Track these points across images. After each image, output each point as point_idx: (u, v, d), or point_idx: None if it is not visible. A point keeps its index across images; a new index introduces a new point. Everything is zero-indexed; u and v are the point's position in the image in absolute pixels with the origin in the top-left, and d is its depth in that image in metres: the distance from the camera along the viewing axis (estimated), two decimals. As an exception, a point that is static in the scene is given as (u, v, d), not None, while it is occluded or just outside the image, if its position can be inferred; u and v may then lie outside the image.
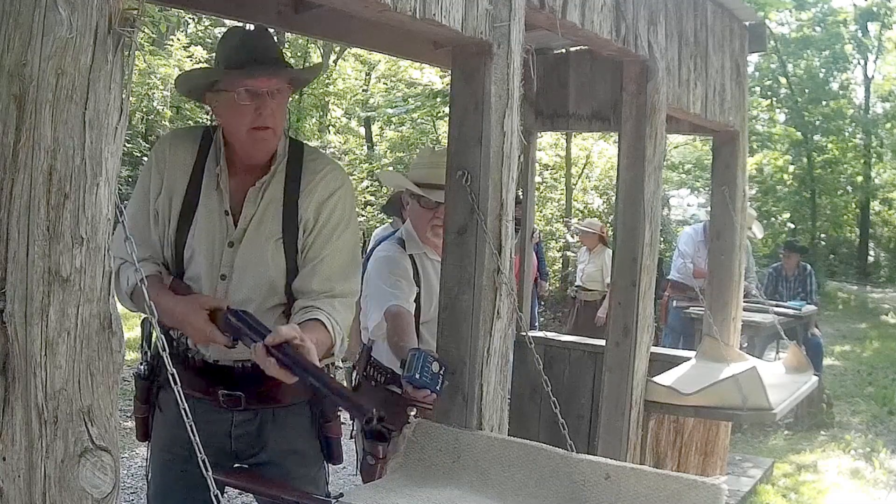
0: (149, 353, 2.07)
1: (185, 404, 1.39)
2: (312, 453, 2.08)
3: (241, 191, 1.97)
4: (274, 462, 2.03)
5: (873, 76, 20.90)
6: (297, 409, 2.05)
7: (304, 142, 2.21)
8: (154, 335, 2.07)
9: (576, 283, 7.77)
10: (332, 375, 2.11)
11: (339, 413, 2.10)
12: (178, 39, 12.43)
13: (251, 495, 2.15)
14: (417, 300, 2.67)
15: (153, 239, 1.99)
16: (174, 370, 2.00)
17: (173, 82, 2.37)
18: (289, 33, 11.87)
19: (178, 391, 1.38)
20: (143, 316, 2.00)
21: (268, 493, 1.89)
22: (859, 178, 19.38)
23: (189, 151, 2.00)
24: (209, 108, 2.07)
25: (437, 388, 2.06)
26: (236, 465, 2.06)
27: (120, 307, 1.32)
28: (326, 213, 1.98)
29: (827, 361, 8.17)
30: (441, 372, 2.07)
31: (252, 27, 2.06)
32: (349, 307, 2.00)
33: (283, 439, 2.03)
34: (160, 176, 1.98)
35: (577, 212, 12.59)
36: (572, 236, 10.75)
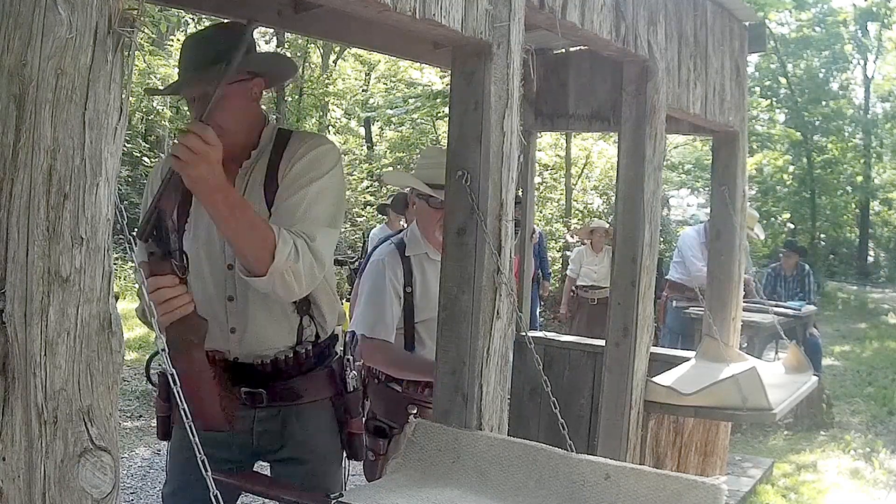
0: None
1: (186, 405, 1.39)
2: (334, 449, 2.10)
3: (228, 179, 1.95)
4: (297, 458, 2.05)
5: (873, 76, 20.95)
6: (320, 406, 2.06)
7: (300, 130, 2.16)
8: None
9: (579, 284, 7.75)
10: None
11: (360, 410, 2.14)
12: (178, 39, 12.44)
13: (247, 495, 2.15)
14: (410, 300, 2.68)
15: None
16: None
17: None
18: (289, 33, 11.86)
19: (178, 391, 1.38)
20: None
21: (267, 494, 1.89)
22: (859, 178, 19.40)
23: None
24: None
25: None
26: (244, 463, 2.06)
27: (120, 307, 1.32)
28: (303, 163, 1.92)
29: (827, 361, 8.18)
30: None
31: (207, 25, 2.05)
32: (314, 253, 1.82)
33: (306, 435, 2.04)
34: None
35: (577, 212, 12.60)
36: (572, 236, 10.74)
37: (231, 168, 1.95)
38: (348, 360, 2.10)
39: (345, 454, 2.15)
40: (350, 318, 2.74)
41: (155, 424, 2.20)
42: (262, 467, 2.18)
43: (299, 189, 1.89)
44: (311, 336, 2.03)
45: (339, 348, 2.15)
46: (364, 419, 2.50)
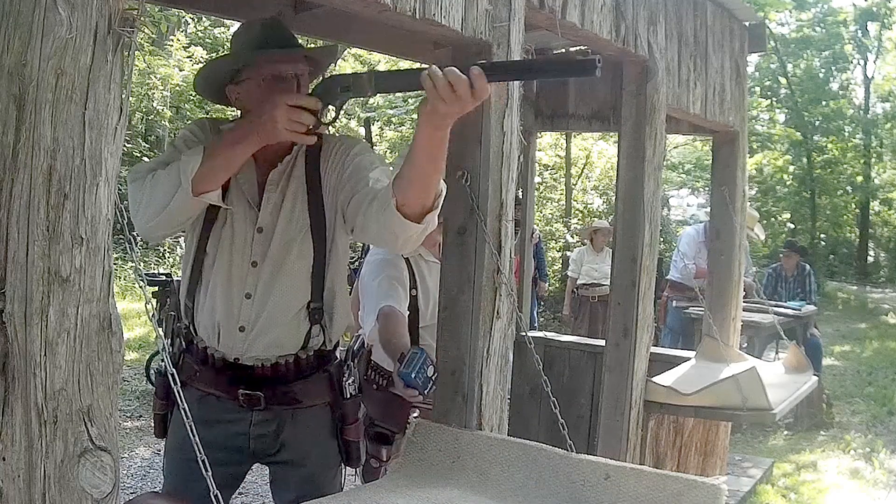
0: (172, 350, 2.05)
1: (185, 404, 1.39)
2: (331, 455, 2.08)
3: (262, 177, 1.94)
4: (294, 461, 2.03)
5: (873, 76, 20.91)
6: (317, 411, 2.04)
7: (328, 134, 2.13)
8: (173, 331, 2.07)
9: (580, 283, 7.76)
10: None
11: (358, 416, 2.10)
12: (178, 39, 12.43)
13: (248, 495, 2.14)
14: (415, 303, 2.67)
15: None
16: (196, 367, 2.00)
17: (193, 80, 2.23)
18: (289, 33, 11.81)
19: (178, 391, 1.38)
20: (166, 313, 1.96)
21: None
22: (859, 178, 19.38)
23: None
24: (229, 104, 2.02)
25: (426, 391, 2.12)
26: (241, 464, 2.06)
27: (120, 306, 1.32)
28: (354, 157, 1.93)
29: (827, 361, 8.17)
30: (433, 376, 2.12)
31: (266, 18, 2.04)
32: None
33: (302, 440, 2.03)
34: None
35: (577, 212, 12.60)
36: (573, 236, 10.75)
37: (264, 167, 1.94)
38: (348, 366, 2.08)
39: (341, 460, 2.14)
40: (357, 322, 2.73)
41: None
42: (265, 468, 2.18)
43: (367, 169, 1.89)
44: (318, 345, 2.02)
45: (339, 352, 2.14)
46: (364, 426, 2.49)
